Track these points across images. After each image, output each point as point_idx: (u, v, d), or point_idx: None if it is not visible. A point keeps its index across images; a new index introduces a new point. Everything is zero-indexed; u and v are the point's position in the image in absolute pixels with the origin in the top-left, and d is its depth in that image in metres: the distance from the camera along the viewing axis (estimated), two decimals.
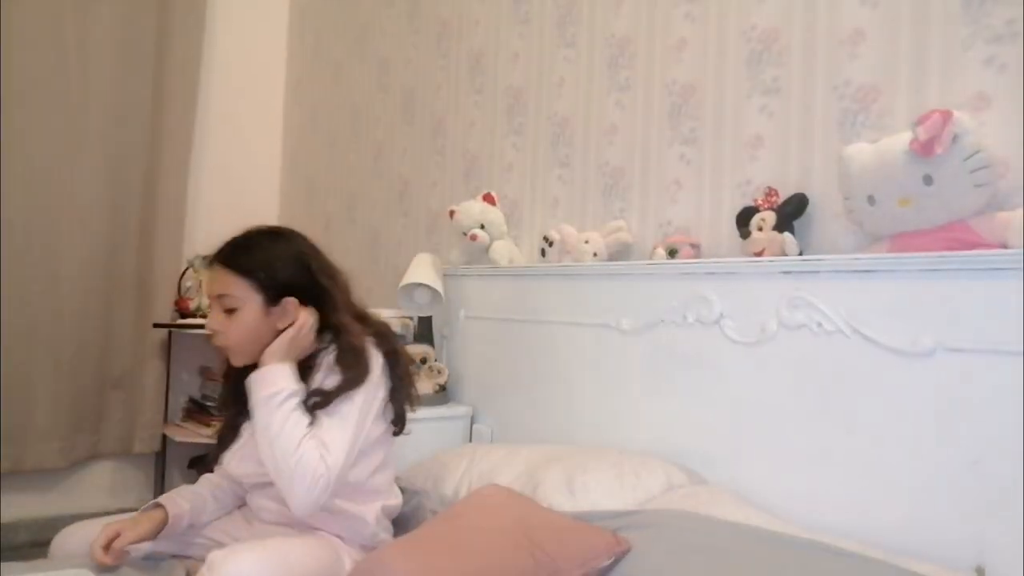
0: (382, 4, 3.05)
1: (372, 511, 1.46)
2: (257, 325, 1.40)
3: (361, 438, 1.38)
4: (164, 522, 1.44)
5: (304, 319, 1.41)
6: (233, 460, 1.48)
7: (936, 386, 1.26)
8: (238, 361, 1.45)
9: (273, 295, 1.40)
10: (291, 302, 1.41)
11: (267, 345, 1.41)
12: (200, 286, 3.09)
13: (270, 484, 1.43)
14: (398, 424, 1.51)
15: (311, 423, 1.34)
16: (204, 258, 3.08)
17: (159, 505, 1.46)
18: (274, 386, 1.33)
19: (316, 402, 1.36)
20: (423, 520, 1.58)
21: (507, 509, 1.31)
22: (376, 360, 1.43)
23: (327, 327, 1.43)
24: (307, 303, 1.42)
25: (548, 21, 2.27)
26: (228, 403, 1.54)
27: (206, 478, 1.59)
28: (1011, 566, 1.15)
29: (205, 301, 3.05)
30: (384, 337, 1.49)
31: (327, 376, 1.39)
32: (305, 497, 1.29)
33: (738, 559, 1.14)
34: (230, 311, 1.40)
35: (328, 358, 1.40)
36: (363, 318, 1.50)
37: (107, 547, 1.36)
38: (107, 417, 3.05)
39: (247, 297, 1.39)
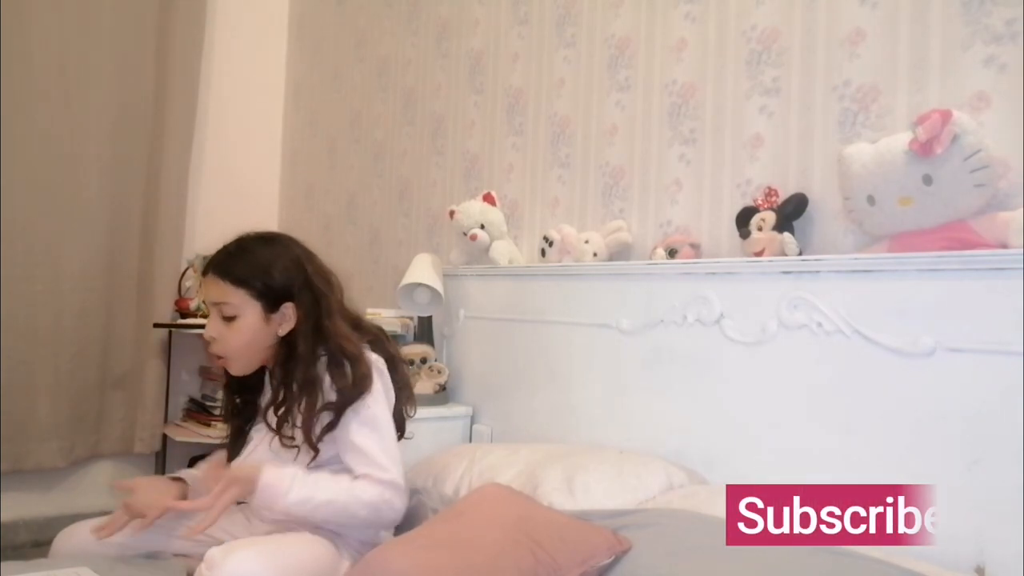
0: (382, 5, 3.05)
1: None
2: (257, 332, 1.40)
3: (382, 433, 1.39)
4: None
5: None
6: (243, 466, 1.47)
7: (936, 386, 1.26)
8: (236, 369, 1.44)
9: (272, 302, 1.40)
10: (290, 307, 1.40)
11: (266, 351, 1.42)
12: (201, 286, 3.09)
13: None
14: (398, 431, 1.50)
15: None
16: (205, 258, 3.07)
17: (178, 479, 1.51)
18: (282, 494, 1.31)
19: (330, 421, 1.37)
20: (423, 519, 1.58)
21: (507, 507, 1.31)
22: (379, 365, 1.43)
23: (319, 333, 1.40)
24: (302, 308, 1.41)
25: (548, 21, 2.27)
26: (233, 413, 1.54)
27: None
28: (1011, 566, 1.15)
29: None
30: (380, 343, 1.48)
31: (332, 388, 1.39)
32: (388, 518, 1.35)
33: (737, 558, 1.14)
34: (229, 319, 1.39)
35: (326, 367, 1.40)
36: (357, 324, 1.49)
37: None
38: (107, 417, 3.05)
39: (246, 305, 1.39)
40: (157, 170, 3.15)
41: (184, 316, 3.10)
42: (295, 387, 1.38)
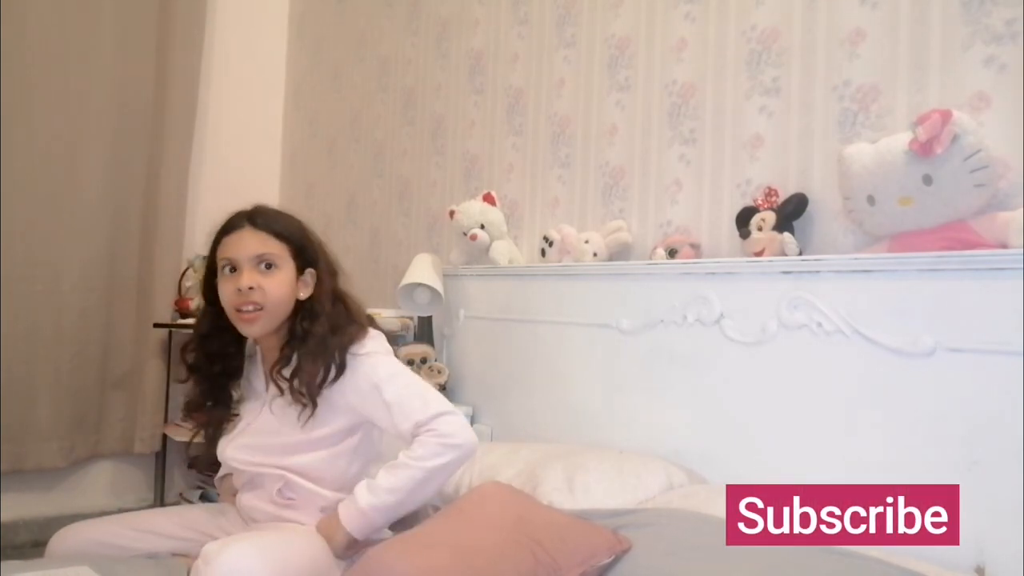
0: (382, 5, 3.05)
1: None
2: (290, 288, 1.41)
3: (417, 379, 1.42)
4: None
5: None
6: (228, 447, 1.47)
7: (936, 386, 1.26)
8: (260, 329, 1.41)
9: (301, 264, 1.43)
10: (312, 273, 1.43)
11: (287, 311, 1.42)
12: (201, 286, 3.08)
13: (261, 485, 1.45)
14: None
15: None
16: (205, 258, 3.08)
17: None
18: (358, 512, 1.32)
19: (324, 370, 1.37)
20: (423, 517, 1.58)
21: (507, 507, 1.31)
22: (375, 340, 1.44)
23: (338, 299, 1.44)
24: (321, 276, 1.44)
25: (548, 21, 2.27)
26: (205, 401, 1.52)
27: None
28: (1011, 566, 1.15)
29: None
30: (373, 321, 1.51)
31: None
32: (464, 447, 1.33)
33: (737, 558, 1.14)
34: (269, 267, 1.39)
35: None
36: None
37: None
38: (107, 417, 3.05)
39: (285, 259, 1.41)
40: (157, 170, 3.15)
41: (184, 316, 3.09)
42: (310, 344, 1.38)
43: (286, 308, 1.42)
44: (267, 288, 1.38)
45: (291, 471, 1.40)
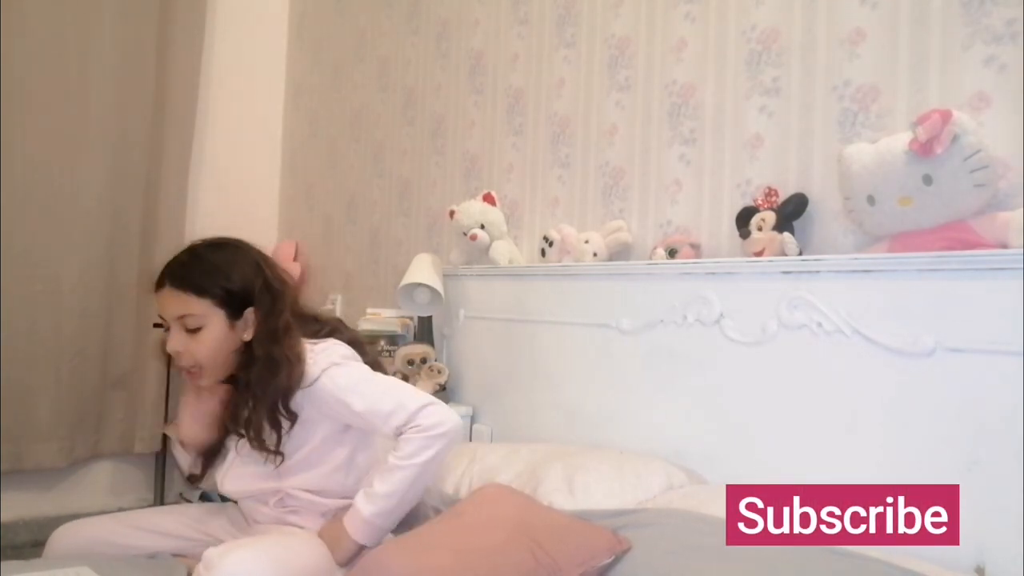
0: (382, 5, 3.05)
1: None
2: (223, 341, 1.36)
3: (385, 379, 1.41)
4: None
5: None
6: (225, 480, 1.46)
7: (936, 386, 1.26)
8: (209, 380, 1.40)
9: (235, 308, 1.36)
10: (252, 312, 1.37)
11: (233, 358, 1.38)
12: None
13: (262, 495, 1.44)
14: None
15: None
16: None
17: None
18: (368, 524, 1.32)
19: (270, 422, 1.36)
20: (424, 518, 1.58)
21: (507, 508, 1.32)
22: (338, 348, 1.41)
23: (276, 335, 1.37)
24: (262, 311, 1.38)
25: (548, 21, 2.27)
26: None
27: None
28: (1011, 566, 1.15)
29: None
30: (340, 331, 1.49)
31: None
32: (449, 436, 1.33)
33: (737, 558, 1.14)
34: (193, 330, 1.34)
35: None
36: (315, 318, 1.49)
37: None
38: (107, 417, 3.05)
39: (210, 314, 1.34)
40: (157, 170, 3.15)
41: None
42: (258, 391, 1.35)
43: (227, 357, 1.37)
44: (194, 351, 1.35)
45: (292, 488, 1.41)
